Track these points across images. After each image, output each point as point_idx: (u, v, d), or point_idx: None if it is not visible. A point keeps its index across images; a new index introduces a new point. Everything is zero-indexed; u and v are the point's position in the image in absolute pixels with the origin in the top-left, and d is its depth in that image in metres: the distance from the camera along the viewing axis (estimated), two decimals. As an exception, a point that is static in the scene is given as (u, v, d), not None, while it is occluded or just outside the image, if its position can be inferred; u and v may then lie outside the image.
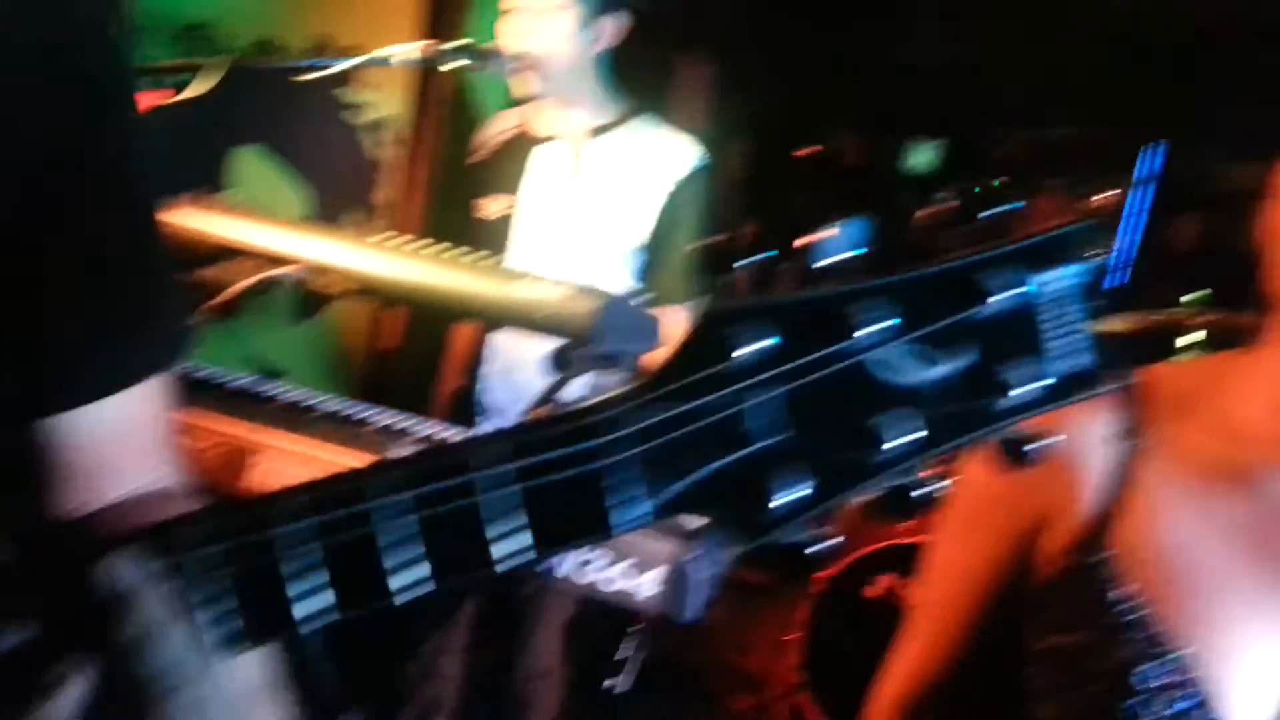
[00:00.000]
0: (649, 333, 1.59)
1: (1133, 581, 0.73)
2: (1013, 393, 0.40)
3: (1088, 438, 0.77)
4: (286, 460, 1.60)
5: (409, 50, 1.65)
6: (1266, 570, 0.72)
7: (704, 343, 0.40)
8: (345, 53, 2.48)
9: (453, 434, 1.79)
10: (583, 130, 2.00)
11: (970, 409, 0.40)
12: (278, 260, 1.44)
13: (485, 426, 2.04)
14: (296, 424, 1.70)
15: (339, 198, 2.64)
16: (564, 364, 1.22)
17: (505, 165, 2.04)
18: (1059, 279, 0.40)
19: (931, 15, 6.01)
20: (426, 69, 2.43)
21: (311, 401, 1.87)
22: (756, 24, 4.76)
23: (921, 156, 10.77)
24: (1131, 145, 7.75)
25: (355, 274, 1.38)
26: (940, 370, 0.39)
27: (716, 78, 4.49)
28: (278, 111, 2.43)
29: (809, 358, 0.38)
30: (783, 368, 0.39)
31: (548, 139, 2.02)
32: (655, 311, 1.92)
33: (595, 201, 1.99)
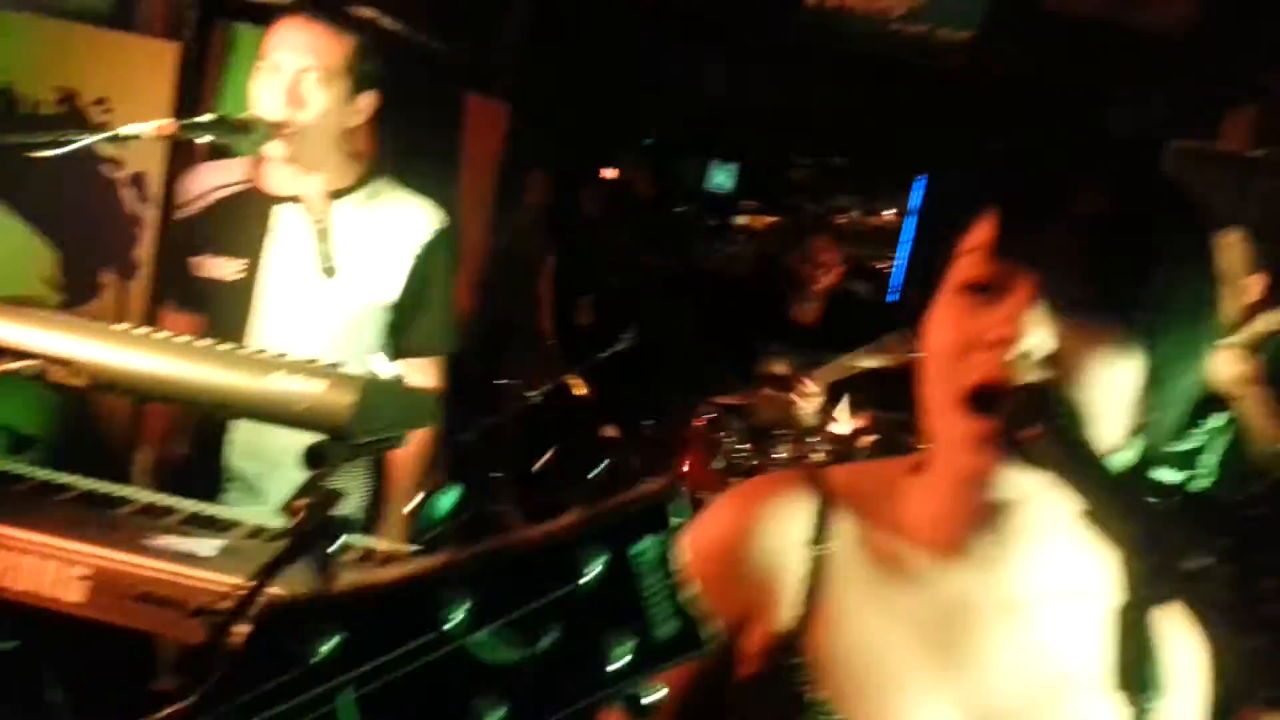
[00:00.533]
0: (418, 411, 1.60)
1: (824, 681, 0.80)
2: (611, 664, 0.41)
3: (780, 541, 0.84)
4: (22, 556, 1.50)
5: (157, 126, 1.58)
6: (938, 658, 0.81)
7: (269, 647, 0.39)
8: (94, 106, 2.35)
9: (205, 509, 1.72)
10: (322, 193, 1.96)
11: (570, 682, 0.41)
12: (9, 351, 1.35)
13: (234, 497, 1.98)
14: (38, 511, 1.59)
15: (93, 256, 2.47)
16: (320, 460, 1.20)
17: (234, 224, 1.96)
18: (650, 546, 0.42)
19: (720, 55, 6.29)
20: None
21: (60, 483, 1.74)
22: (546, 59, 4.84)
23: (720, 177, 11.24)
24: (904, 176, 8.40)
25: (97, 368, 1.31)
26: (539, 646, 0.40)
27: (511, 114, 4.52)
28: (19, 166, 2.25)
29: (399, 651, 0.38)
30: (367, 664, 0.38)
31: (285, 199, 1.96)
32: (415, 378, 1.99)
33: (341, 266, 1.97)
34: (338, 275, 1.97)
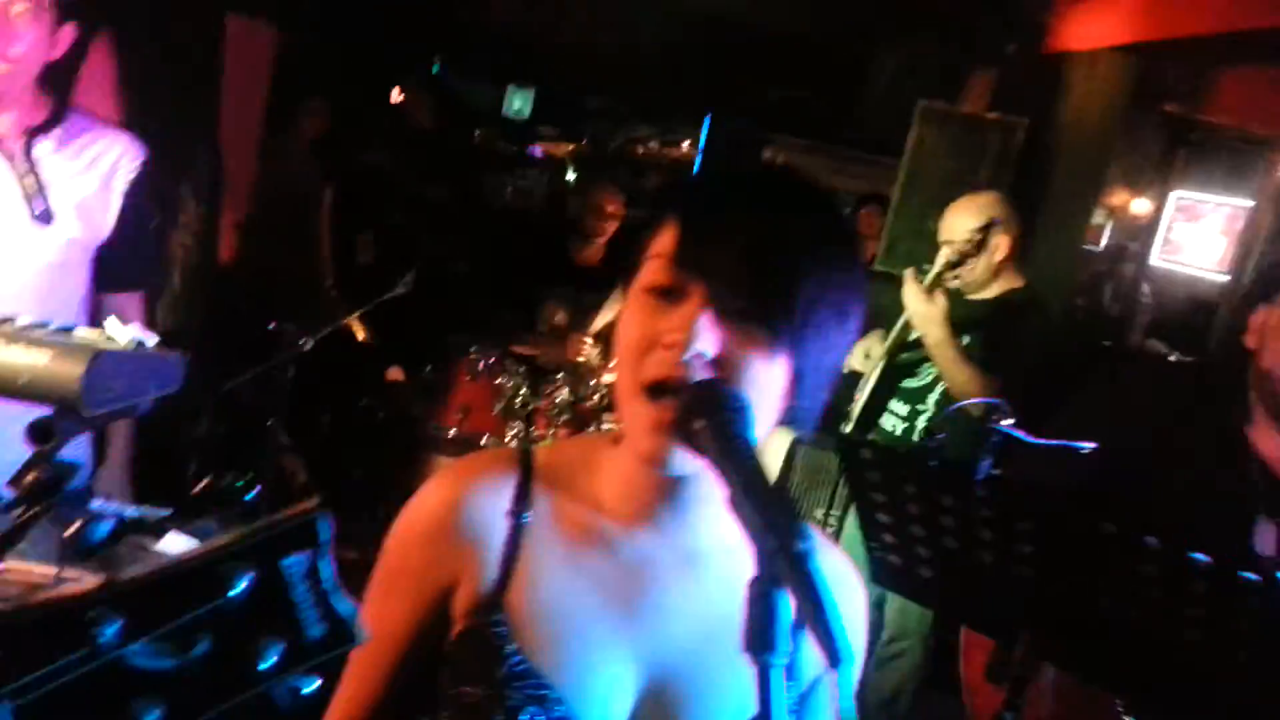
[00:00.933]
0: (163, 374, 1.55)
1: (520, 635, 0.90)
2: (263, 662, 0.48)
3: (486, 512, 0.93)
4: None
5: None
6: (623, 612, 0.92)
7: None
8: None
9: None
10: (17, 131, 1.85)
11: (224, 682, 0.47)
12: None
13: None
14: None
15: None
16: (46, 436, 1.17)
17: None
18: (296, 560, 0.49)
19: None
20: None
21: None
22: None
23: (517, 103, 11.10)
24: (696, 111, 8.62)
25: None
26: (194, 653, 0.46)
27: (280, 38, 4.29)
28: None
29: (44, 669, 0.43)
30: (22, 679, 0.43)
31: None
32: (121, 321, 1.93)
33: (47, 207, 1.87)
34: (43, 217, 1.87)
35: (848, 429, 3.09)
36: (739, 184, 0.90)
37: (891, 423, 3.07)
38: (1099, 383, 2.16)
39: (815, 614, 0.64)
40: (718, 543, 0.93)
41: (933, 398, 2.99)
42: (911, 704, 3.17)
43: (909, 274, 2.88)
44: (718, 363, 0.83)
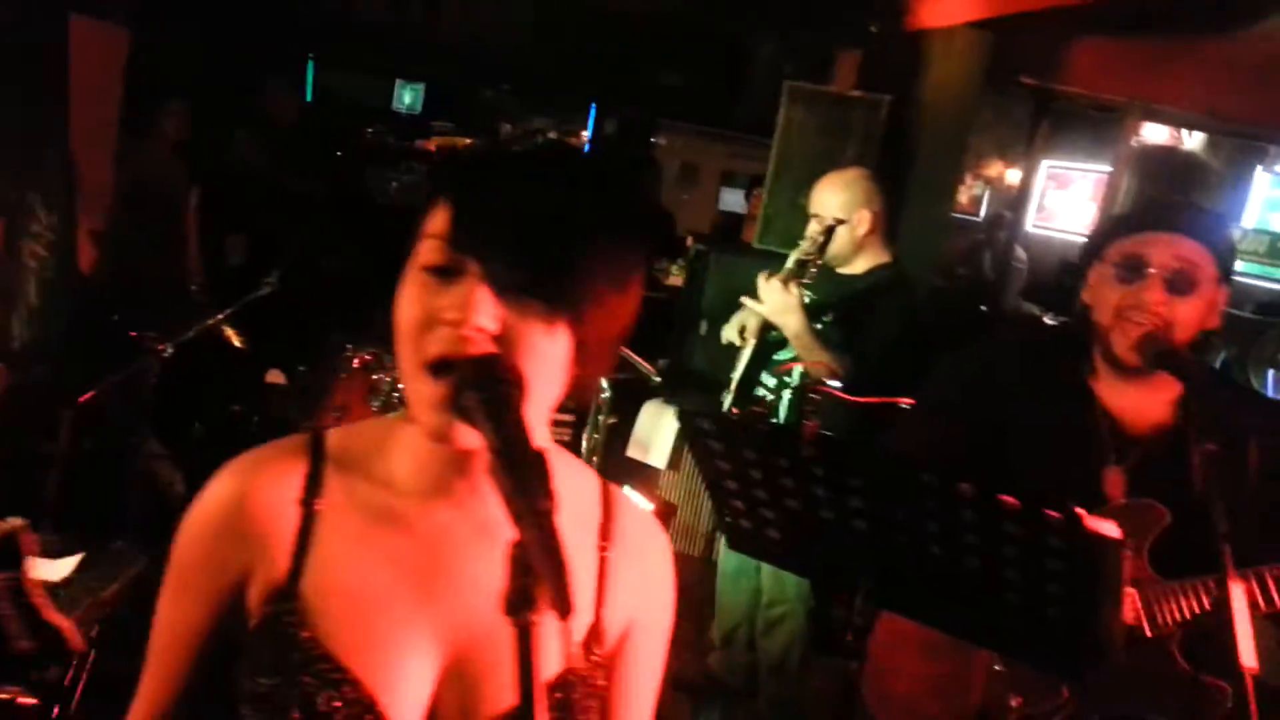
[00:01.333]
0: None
1: (315, 621, 0.90)
2: None
3: (274, 503, 0.93)
4: None
5: None
6: (422, 587, 0.93)
7: None
8: None
9: None
10: None
11: None
12: None
13: None
14: None
15: None
16: None
17: None
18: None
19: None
20: None
21: None
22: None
23: (407, 98, 10.99)
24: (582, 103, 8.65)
25: None
26: None
27: (134, 39, 4.14)
28: None
29: None
30: None
31: None
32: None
33: None
34: None
35: (728, 400, 3.16)
36: (509, 161, 0.91)
37: (762, 393, 3.14)
38: (967, 346, 2.25)
39: (549, 569, 0.66)
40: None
41: (799, 370, 3.07)
42: (801, 667, 3.26)
43: (761, 276, 2.95)
44: (499, 338, 0.84)
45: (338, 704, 0.87)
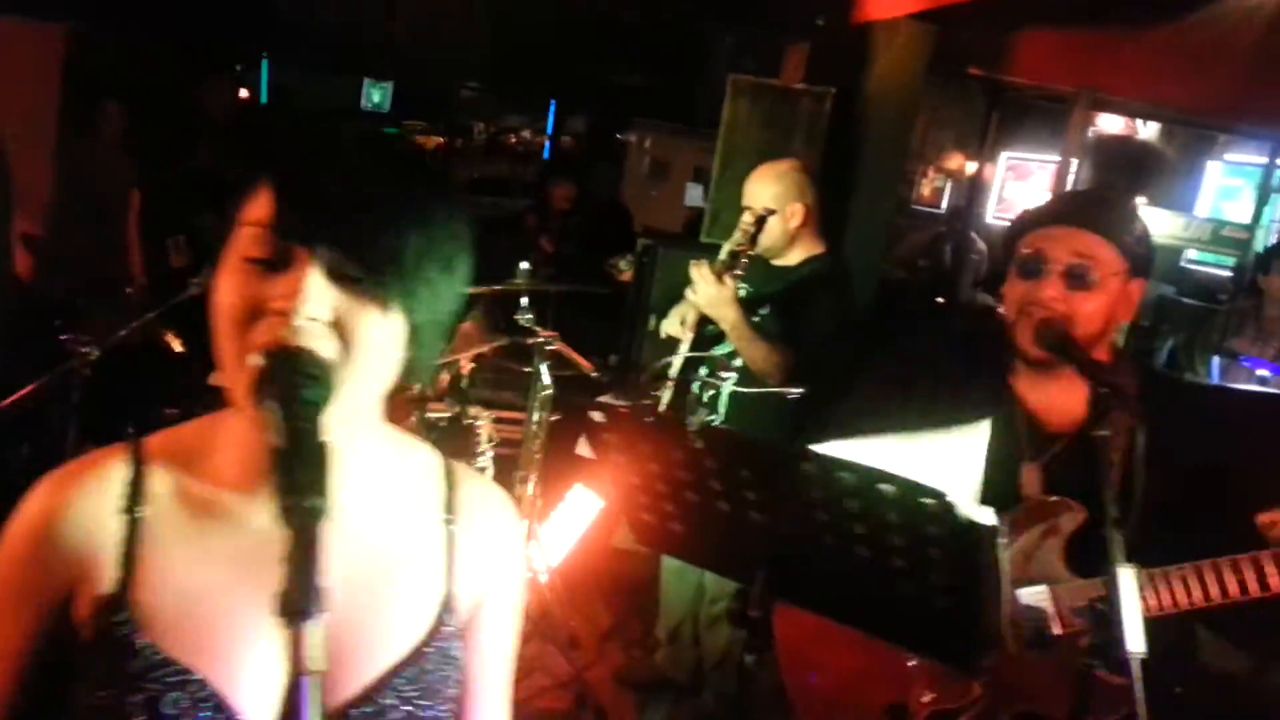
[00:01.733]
0: None
1: (150, 628, 0.88)
2: None
3: (93, 514, 0.91)
4: None
5: None
6: (261, 581, 0.92)
7: None
8: None
9: None
10: None
11: None
12: None
13: None
14: None
15: None
16: None
17: None
18: None
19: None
20: None
21: None
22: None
23: (376, 96, 10.93)
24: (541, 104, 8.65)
25: None
26: None
27: (72, 37, 4.10)
28: None
29: None
30: None
31: None
32: None
33: None
34: None
35: (666, 395, 3.15)
36: (331, 149, 0.90)
37: (699, 388, 3.14)
38: (908, 338, 2.26)
39: (299, 567, 0.66)
40: (348, 499, 0.93)
41: (737, 363, 3.07)
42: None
43: (692, 264, 2.95)
44: (332, 325, 0.84)
45: (185, 705, 0.86)
